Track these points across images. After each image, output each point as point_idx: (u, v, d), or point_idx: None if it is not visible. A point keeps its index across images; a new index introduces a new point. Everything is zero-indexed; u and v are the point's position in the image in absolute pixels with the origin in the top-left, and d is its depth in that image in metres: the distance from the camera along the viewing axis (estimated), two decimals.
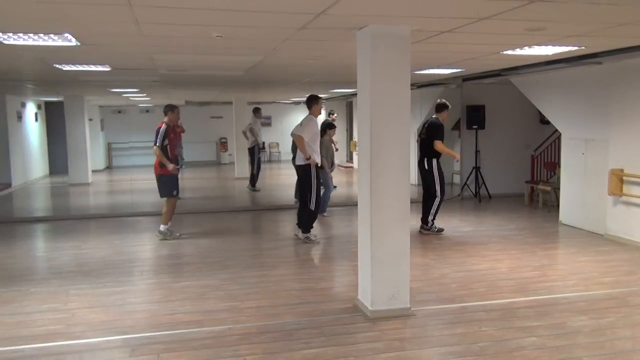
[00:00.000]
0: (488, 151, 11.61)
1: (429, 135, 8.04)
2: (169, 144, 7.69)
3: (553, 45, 5.86)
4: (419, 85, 12.47)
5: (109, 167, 19.64)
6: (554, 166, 10.47)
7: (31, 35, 4.86)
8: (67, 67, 7.34)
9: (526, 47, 5.94)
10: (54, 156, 17.31)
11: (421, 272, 6.13)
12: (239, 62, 6.97)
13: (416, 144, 9.31)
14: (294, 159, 8.15)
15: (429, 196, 8.11)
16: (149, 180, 16.18)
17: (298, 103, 20.35)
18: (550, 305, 5.05)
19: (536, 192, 10.61)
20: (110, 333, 4.45)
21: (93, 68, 7.48)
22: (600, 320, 4.66)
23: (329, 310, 4.96)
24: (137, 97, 15.44)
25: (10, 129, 13.84)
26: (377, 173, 4.68)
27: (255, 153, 12.94)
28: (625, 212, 7.56)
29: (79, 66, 7.31)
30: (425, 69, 8.31)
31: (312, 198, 7.43)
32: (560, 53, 6.45)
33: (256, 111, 13.23)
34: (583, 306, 5.01)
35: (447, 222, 9.38)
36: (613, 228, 7.73)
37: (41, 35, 4.86)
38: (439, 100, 8.27)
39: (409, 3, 3.80)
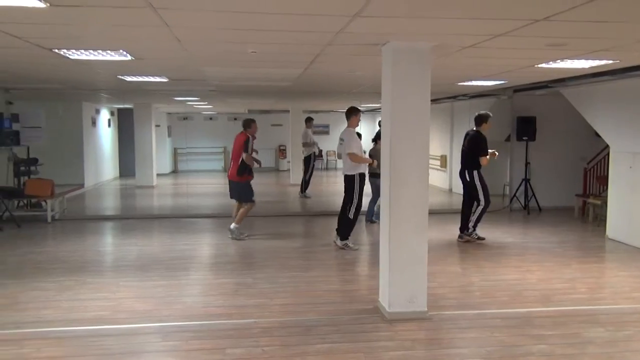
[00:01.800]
0: (539, 163, 11.47)
1: (470, 149, 8.15)
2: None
3: (586, 59, 5.89)
4: (471, 95, 12.52)
5: (175, 171, 20.68)
6: (606, 180, 10.22)
7: (91, 51, 5.47)
8: (129, 78, 8.02)
9: (559, 61, 6.00)
10: (124, 159, 18.46)
11: (449, 279, 6.29)
12: (282, 74, 7.39)
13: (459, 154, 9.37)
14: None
15: (470, 203, 8.20)
16: (207, 185, 17.13)
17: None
18: (570, 316, 5.10)
19: (587, 206, 10.40)
20: (149, 320, 4.93)
21: (152, 79, 8.13)
22: (617, 333, 4.69)
23: (350, 310, 5.24)
24: (200, 105, 16.29)
25: (84, 133, 14.95)
26: (396, 184, 4.93)
27: (311, 160, 13.36)
28: None
29: (139, 77, 7.98)
30: (468, 80, 8.43)
31: (353, 207, 7.66)
32: (599, 66, 6.44)
33: (308, 120, 13.67)
34: (603, 319, 5.03)
35: (490, 232, 9.39)
36: None
37: (100, 51, 5.46)
38: (478, 113, 8.36)
39: (424, 22, 4.04)
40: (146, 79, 8.08)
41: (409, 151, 4.91)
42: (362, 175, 7.67)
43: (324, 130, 21.86)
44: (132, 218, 10.62)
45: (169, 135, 20.27)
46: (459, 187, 14.49)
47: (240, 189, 8.49)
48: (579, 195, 10.74)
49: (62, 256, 7.44)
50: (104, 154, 16.94)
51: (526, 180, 11.33)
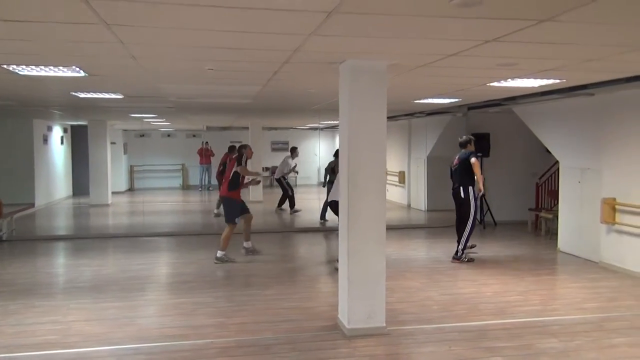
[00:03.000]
0: (494, 178, 11.76)
1: (462, 166, 8.22)
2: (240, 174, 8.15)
3: (535, 79, 6.11)
4: (427, 113, 12.78)
5: (131, 189, 20.26)
6: (556, 194, 10.56)
7: (42, 67, 5.34)
8: (82, 95, 7.84)
9: (509, 80, 6.20)
10: (77, 178, 17.98)
11: (407, 294, 6.35)
12: (241, 91, 7.38)
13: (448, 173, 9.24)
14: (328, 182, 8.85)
15: (462, 222, 8.24)
16: (164, 202, 16.84)
17: (315, 129, 20.79)
18: (524, 327, 5.21)
19: (540, 220, 10.71)
20: (101, 344, 4.78)
21: (107, 95, 7.98)
22: (569, 343, 4.81)
23: (309, 327, 5.22)
24: (157, 121, 16.05)
25: (35, 151, 14.52)
26: (354, 200, 4.97)
27: (282, 180, 13.64)
28: (617, 240, 7.66)
29: (93, 94, 7.81)
30: (424, 98, 8.60)
31: None
32: (547, 85, 6.69)
33: (293, 150, 14.05)
34: (556, 329, 5.16)
35: (446, 247, 9.55)
36: (606, 256, 7.83)
37: (51, 67, 5.33)
38: (461, 138, 8.48)
39: (380, 41, 4.12)
40: (100, 95, 7.92)
41: (366, 167, 4.97)
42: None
43: (284, 147, 21.84)
44: (86, 238, 10.33)
45: (125, 152, 19.87)
46: (418, 203, 14.85)
47: (227, 206, 8.18)
48: (531, 210, 11.06)
49: (7, 279, 7.17)
50: (56, 172, 16.47)
51: (482, 196, 11.58)
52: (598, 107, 7.96)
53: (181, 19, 3.43)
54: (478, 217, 8.32)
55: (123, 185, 19.51)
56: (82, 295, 6.31)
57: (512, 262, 8.14)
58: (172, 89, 7.17)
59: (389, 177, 16.32)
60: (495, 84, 6.50)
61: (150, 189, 19.99)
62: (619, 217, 7.63)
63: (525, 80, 6.21)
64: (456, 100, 8.88)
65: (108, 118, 14.74)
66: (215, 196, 13.81)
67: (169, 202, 17.41)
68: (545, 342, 4.81)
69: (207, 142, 20.08)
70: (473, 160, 8.03)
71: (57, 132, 16.75)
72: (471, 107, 11.11)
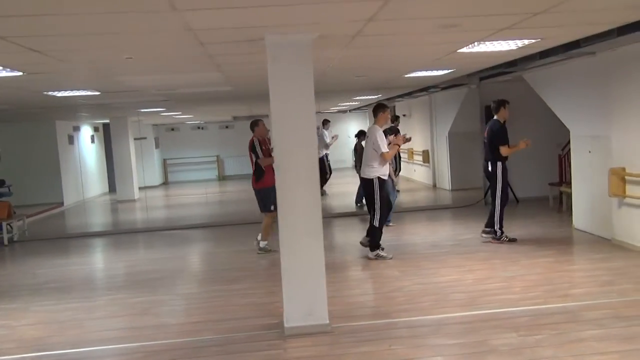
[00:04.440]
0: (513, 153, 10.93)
1: (490, 139, 7.73)
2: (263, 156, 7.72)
3: (504, 40, 5.47)
4: (443, 87, 12.08)
5: (165, 183, 20.53)
6: None
7: None
8: (57, 94, 7.77)
9: (475, 44, 5.59)
10: (112, 174, 18.33)
11: (379, 284, 5.92)
12: (206, 78, 7.06)
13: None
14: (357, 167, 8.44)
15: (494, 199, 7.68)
16: (195, 195, 16.88)
17: (344, 111, 20.32)
18: (486, 320, 4.67)
19: (562, 195, 9.87)
20: (32, 350, 4.64)
21: (84, 92, 7.89)
22: (528, 337, 4.26)
23: (255, 326, 4.90)
24: (180, 116, 16.07)
25: (60, 152, 14.87)
26: (284, 188, 4.60)
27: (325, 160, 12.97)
28: (628, 215, 6.86)
29: (69, 92, 7.73)
30: (411, 72, 8.01)
31: (376, 214, 6.99)
32: (529, 46, 6.01)
33: (325, 123, 13.18)
34: (522, 322, 4.59)
35: (454, 228, 9.00)
36: (618, 232, 7.04)
37: None
38: (493, 100, 7.96)
39: (297, 9, 3.68)
40: (77, 92, 7.83)
41: (295, 153, 4.56)
42: (380, 180, 7.00)
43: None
44: (93, 236, 10.38)
45: (157, 146, 20.14)
46: (442, 182, 14.14)
47: (260, 197, 7.74)
48: (552, 184, 10.22)
49: None
50: (86, 170, 16.85)
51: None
52: (602, 68, 7.12)
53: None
54: (506, 193, 7.72)
55: (156, 180, 19.80)
56: (47, 297, 6.25)
57: (515, 243, 7.47)
58: (133, 81, 6.96)
59: (415, 157, 15.69)
60: (465, 50, 5.89)
61: (186, 181, 20.19)
62: (629, 189, 6.82)
63: (496, 43, 5.58)
64: (449, 71, 8.22)
65: (128, 114, 14.87)
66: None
67: (199, 194, 17.42)
68: (502, 338, 4.28)
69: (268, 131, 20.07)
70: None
71: (86, 132, 17.13)
72: (483, 78, 10.39)
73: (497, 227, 7.59)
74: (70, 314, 5.59)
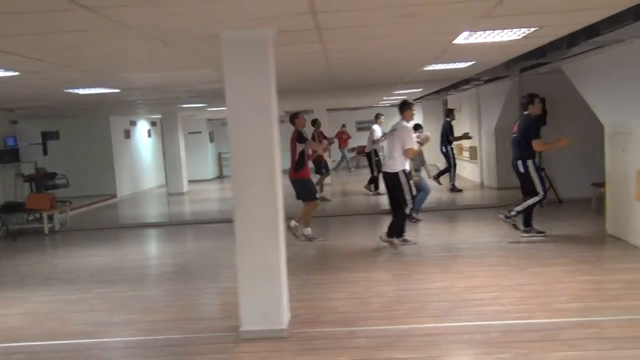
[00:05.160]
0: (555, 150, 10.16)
1: (521, 134, 7.37)
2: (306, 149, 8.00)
3: (494, 30, 5.04)
4: (486, 80, 11.49)
5: (220, 177, 20.92)
6: None
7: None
8: (78, 91, 8.05)
9: (469, 35, 5.18)
10: None
11: (361, 289, 5.63)
12: (202, 75, 7.02)
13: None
14: None
15: (528, 196, 7.36)
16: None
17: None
18: (453, 334, 4.32)
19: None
20: (8, 340, 4.78)
21: (103, 90, 8.11)
22: (488, 356, 3.88)
23: (214, 327, 4.81)
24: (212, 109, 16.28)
25: (115, 146, 15.51)
26: (241, 186, 4.46)
27: (372, 156, 12.68)
28: None
29: (89, 89, 7.98)
30: (427, 65, 7.59)
31: (408, 204, 7.00)
32: (536, 36, 5.51)
33: (377, 117, 12.97)
34: (491, 337, 4.21)
35: (477, 230, 8.50)
36: None
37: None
38: (523, 96, 7.67)
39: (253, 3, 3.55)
40: (97, 90, 8.07)
41: (254, 148, 4.43)
42: (404, 172, 7.03)
43: (369, 125, 21.15)
44: (129, 227, 10.72)
45: (211, 140, 20.58)
46: (490, 180, 13.41)
47: (300, 187, 7.93)
48: (595, 185, 9.39)
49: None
50: (142, 163, 17.49)
51: (543, 169, 10.08)
52: (635, 57, 6.42)
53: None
54: (546, 189, 7.49)
55: (210, 173, 20.23)
56: (52, 288, 6.43)
57: (535, 249, 6.91)
58: (139, 79, 7.06)
59: (463, 153, 15.01)
60: (462, 41, 5.48)
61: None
62: None
63: (493, 33, 5.16)
64: (470, 63, 7.72)
65: (178, 110, 15.28)
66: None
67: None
68: (459, 355, 3.95)
69: (344, 125, 20.30)
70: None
71: (142, 126, 17.78)
72: (523, 69, 9.75)
73: (519, 208, 7.31)
74: (57, 305, 5.75)
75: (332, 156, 19.39)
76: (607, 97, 7.33)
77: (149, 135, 18.33)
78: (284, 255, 4.58)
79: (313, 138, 12.79)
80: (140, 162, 17.37)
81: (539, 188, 7.26)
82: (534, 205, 7.32)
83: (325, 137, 13.09)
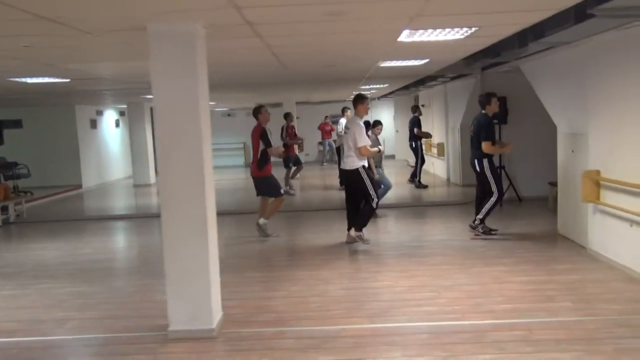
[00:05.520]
0: (515, 148, 10.18)
1: (476, 134, 7.38)
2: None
3: (444, 29, 5.03)
4: (452, 77, 11.51)
5: None
6: None
7: None
8: (28, 80, 7.85)
9: (411, 33, 5.13)
10: None
11: (302, 288, 5.58)
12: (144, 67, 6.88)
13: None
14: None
15: (484, 195, 7.42)
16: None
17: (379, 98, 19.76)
18: (381, 335, 4.29)
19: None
20: None
21: (51, 80, 7.91)
22: (414, 358, 3.86)
23: (147, 326, 4.70)
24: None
25: (80, 136, 15.27)
26: (168, 184, 4.38)
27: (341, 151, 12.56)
28: (602, 223, 6.19)
29: (35, 78, 7.77)
30: (382, 61, 7.54)
31: (373, 198, 6.97)
32: (481, 35, 5.49)
33: (343, 111, 12.73)
34: (419, 339, 4.20)
35: (429, 228, 8.55)
36: (592, 241, 6.38)
37: None
38: (480, 95, 7.67)
39: None
40: (42, 80, 7.87)
41: (180, 144, 4.33)
42: (364, 168, 7.00)
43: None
44: (86, 220, 10.55)
45: None
46: (455, 177, 13.45)
47: (264, 184, 7.86)
48: (551, 184, 9.45)
49: None
50: (109, 154, 17.24)
51: (501, 168, 10.14)
52: (580, 58, 6.45)
53: None
54: (502, 189, 7.53)
55: None
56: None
57: (482, 248, 6.92)
58: (85, 69, 6.89)
59: (432, 149, 15.02)
60: (404, 39, 5.44)
61: (213, 167, 20.26)
62: (603, 195, 6.15)
63: (436, 32, 5.13)
64: (424, 61, 7.69)
65: (143, 101, 15.05)
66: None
67: (222, 180, 17.33)
68: (384, 357, 3.91)
69: (327, 117, 20.30)
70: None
71: (110, 116, 17.49)
72: (485, 68, 9.77)
73: (480, 216, 7.34)
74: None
75: (306, 150, 19.35)
76: (558, 97, 7.36)
77: (117, 125, 18.06)
78: (214, 255, 4.52)
79: (283, 131, 12.76)
80: (107, 152, 17.12)
81: (493, 187, 7.31)
82: (493, 207, 7.33)
83: (295, 134, 13.09)
